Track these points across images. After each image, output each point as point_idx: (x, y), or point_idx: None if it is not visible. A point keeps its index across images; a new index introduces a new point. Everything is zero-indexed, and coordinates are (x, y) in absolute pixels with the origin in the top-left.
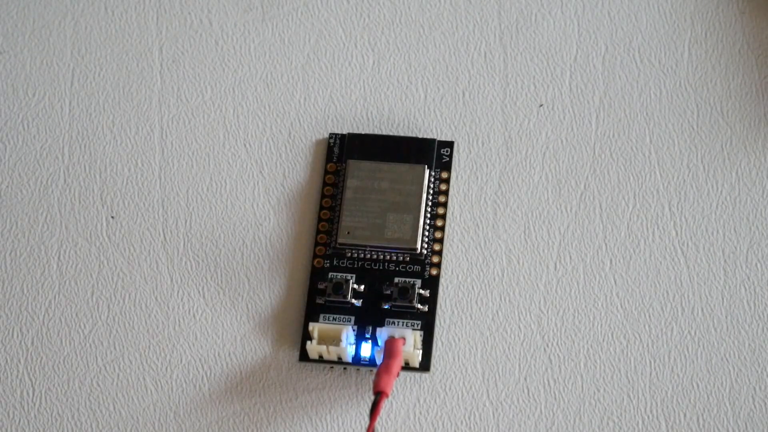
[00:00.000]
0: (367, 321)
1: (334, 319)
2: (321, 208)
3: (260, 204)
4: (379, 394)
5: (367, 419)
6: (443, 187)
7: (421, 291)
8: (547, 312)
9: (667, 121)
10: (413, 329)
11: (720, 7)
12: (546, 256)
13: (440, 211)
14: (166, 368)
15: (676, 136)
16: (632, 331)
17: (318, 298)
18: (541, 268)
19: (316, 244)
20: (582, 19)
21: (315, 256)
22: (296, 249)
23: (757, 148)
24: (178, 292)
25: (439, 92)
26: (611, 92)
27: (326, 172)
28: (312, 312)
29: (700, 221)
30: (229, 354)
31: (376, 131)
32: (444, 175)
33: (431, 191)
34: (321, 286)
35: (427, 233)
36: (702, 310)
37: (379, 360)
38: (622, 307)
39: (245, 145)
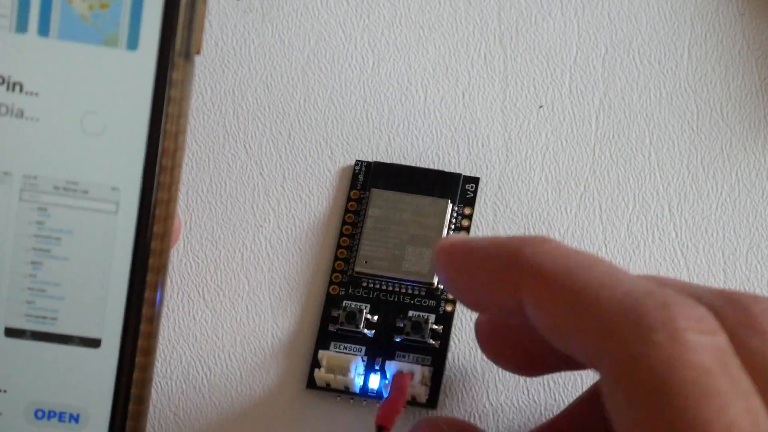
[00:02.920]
0: (377, 353)
1: (345, 348)
2: (341, 234)
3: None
4: (380, 429)
5: None
6: (465, 223)
7: (435, 326)
8: None
9: (666, 122)
10: (423, 365)
11: (720, 9)
12: None
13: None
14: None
15: (676, 138)
16: None
17: (330, 326)
18: None
19: (333, 271)
20: (582, 20)
21: (331, 282)
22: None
23: (757, 149)
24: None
25: (439, 93)
26: (611, 93)
27: (349, 199)
28: (323, 339)
29: (699, 222)
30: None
31: (376, 131)
32: (467, 211)
33: (453, 226)
34: (335, 314)
35: None
36: None
37: (386, 393)
38: None
39: (245, 146)
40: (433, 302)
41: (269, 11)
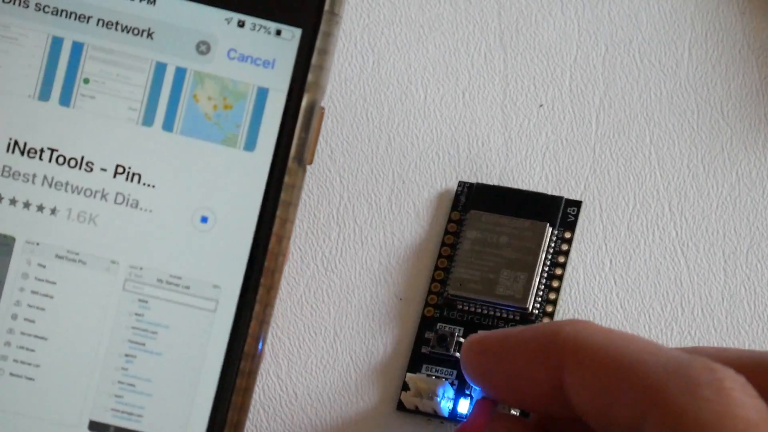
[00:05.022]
0: None
1: (437, 371)
2: (439, 256)
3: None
4: None
5: None
6: (564, 247)
7: None
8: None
9: (667, 121)
10: None
11: (720, 8)
12: None
13: (558, 271)
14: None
15: (677, 137)
16: (632, 332)
17: (423, 348)
18: None
19: (429, 293)
20: (582, 19)
21: (427, 305)
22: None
23: (758, 148)
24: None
25: (439, 92)
26: (611, 92)
27: (450, 221)
28: (415, 361)
29: (700, 221)
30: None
31: (376, 132)
32: (567, 235)
33: (551, 251)
34: (428, 336)
35: (540, 293)
36: (702, 310)
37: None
38: (621, 307)
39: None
40: None
41: None
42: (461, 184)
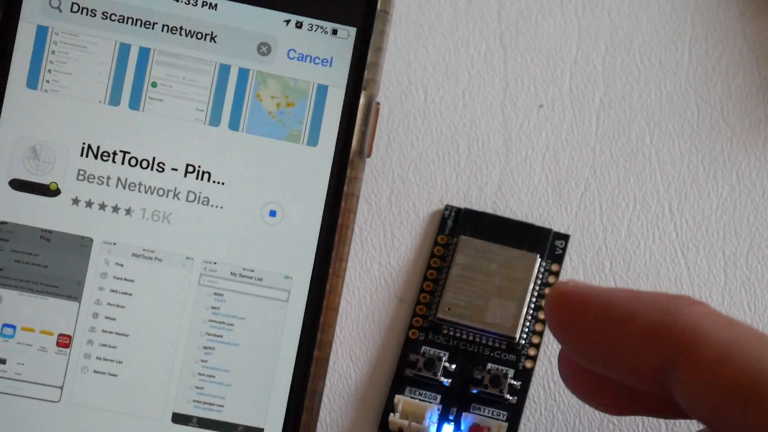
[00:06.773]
0: (452, 402)
1: (421, 394)
2: (425, 279)
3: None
4: None
5: None
6: (551, 279)
7: (513, 382)
8: None
9: (667, 121)
10: (499, 420)
11: (720, 8)
12: None
13: (544, 303)
14: None
15: (677, 137)
16: None
17: (407, 370)
18: None
19: (414, 315)
20: (582, 19)
21: (411, 327)
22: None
23: (758, 149)
24: None
25: (439, 93)
26: (611, 93)
27: (436, 244)
28: (399, 383)
29: (700, 222)
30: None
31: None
32: (554, 267)
33: (539, 282)
34: (412, 359)
35: (528, 324)
36: None
37: None
38: None
39: None
40: (513, 357)
41: None
42: (448, 207)
